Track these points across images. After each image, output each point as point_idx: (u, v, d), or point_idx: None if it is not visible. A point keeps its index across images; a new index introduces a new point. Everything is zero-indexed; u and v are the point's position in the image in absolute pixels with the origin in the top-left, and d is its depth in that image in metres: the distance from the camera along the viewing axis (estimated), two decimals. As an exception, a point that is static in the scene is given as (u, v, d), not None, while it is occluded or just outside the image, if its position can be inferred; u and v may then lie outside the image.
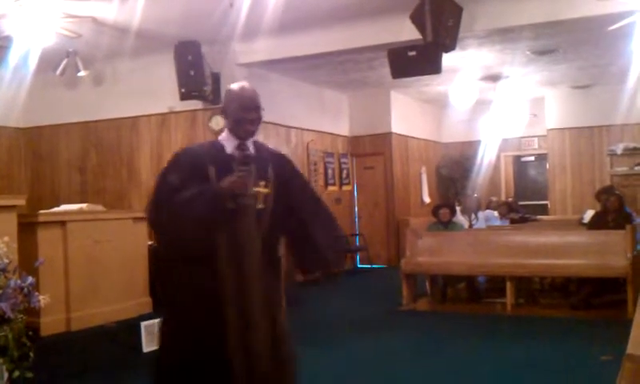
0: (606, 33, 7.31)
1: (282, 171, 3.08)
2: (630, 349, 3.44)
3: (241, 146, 2.97)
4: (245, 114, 2.97)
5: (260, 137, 10.54)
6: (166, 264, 3.07)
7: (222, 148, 2.99)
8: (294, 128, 10.87)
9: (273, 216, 2.95)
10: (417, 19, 6.78)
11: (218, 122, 8.79)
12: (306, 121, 11.16)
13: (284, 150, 10.52)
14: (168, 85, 8.55)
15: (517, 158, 14.86)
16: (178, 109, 8.96)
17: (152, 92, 9.09)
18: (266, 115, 9.63)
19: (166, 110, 9.11)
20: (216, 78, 8.59)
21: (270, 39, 8.16)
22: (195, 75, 8.24)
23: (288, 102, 10.62)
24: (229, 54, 8.65)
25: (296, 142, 10.96)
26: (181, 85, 8.32)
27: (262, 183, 2.93)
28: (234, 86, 3.09)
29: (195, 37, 8.11)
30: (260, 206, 2.90)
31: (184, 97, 8.40)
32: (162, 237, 3.13)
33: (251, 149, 3.02)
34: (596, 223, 8.34)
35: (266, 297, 2.89)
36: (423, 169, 13.78)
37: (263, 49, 8.48)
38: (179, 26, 7.80)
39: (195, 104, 8.75)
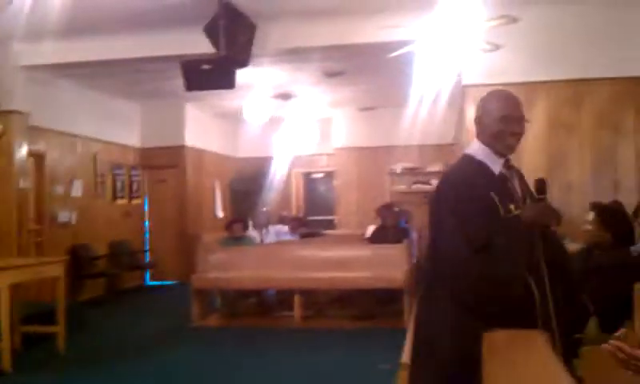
0: (387, 59, 7.83)
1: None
2: (405, 358, 3.66)
3: (508, 165, 2.63)
4: (507, 127, 2.58)
5: (41, 145, 9.70)
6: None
7: (487, 168, 2.60)
8: (80, 137, 10.28)
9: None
10: (211, 33, 6.76)
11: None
12: (93, 130, 10.60)
13: (68, 160, 9.92)
14: None
15: (307, 175, 15.37)
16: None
17: None
18: (50, 122, 9.02)
19: None
20: (-8, 80, 7.87)
21: (56, 41, 7.61)
22: (-34, 75, 7.48)
23: (74, 110, 10.02)
24: (9, 55, 7.96)
25: (82, 152, 10.36)
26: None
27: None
28: (493, 93, 2.68)
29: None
30: None
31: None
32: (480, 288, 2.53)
33: (514, 164, 2.69)
34: (377, 238, 8.87)
35: None
36: (217, 183, 13.74)
37: (49, 51, 7.89)
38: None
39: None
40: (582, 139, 6.92)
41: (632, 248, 4.59)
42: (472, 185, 2.56)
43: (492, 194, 2.49)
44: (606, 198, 5.75)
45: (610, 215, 4.51)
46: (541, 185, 2.57)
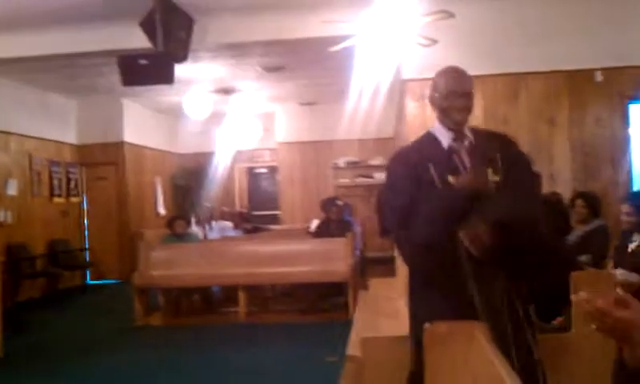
0: (327, 53, 7.85)
1: (507, 154, 2.73)
2: (350, 350, 3.71)
3: (458, 138, 2.67)
4: (452, 103, 2.66)
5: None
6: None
7: (439, 143, 2.69)
8: (14, 134, 9.97)
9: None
10: (147, 27, 6.64)
11: None
12: (27, 127, 10.30)
13: (1, 158, 9.61)
14: None
15: (250, 170, 15.30)
16: None
17: None
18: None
19: None
20: None
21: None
22: None
23: (7, 106, 9.72)
24: None
25: (16, 150, 10.05)
26: None
27: (490, 170, 2.63)
28: (441, 70, 2.74)
29: None
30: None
31: None
32: (407, 252, 2.73)
33: (469, 136, 2.70)
34: (321, 231, 8.92)
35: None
36: (158, 179, 13.54)
37: (-21, 46, 7.63)
38: None
39: None
40: (517, 132, 7.06)
41: (567, 237, 4.76)
42: (407, 156, 2.74)
43: (430, 166, 2.60)
44: (542, 190, 5.92)
45: (549, 206, 4.68)
46: (472, 152, 2.66)
